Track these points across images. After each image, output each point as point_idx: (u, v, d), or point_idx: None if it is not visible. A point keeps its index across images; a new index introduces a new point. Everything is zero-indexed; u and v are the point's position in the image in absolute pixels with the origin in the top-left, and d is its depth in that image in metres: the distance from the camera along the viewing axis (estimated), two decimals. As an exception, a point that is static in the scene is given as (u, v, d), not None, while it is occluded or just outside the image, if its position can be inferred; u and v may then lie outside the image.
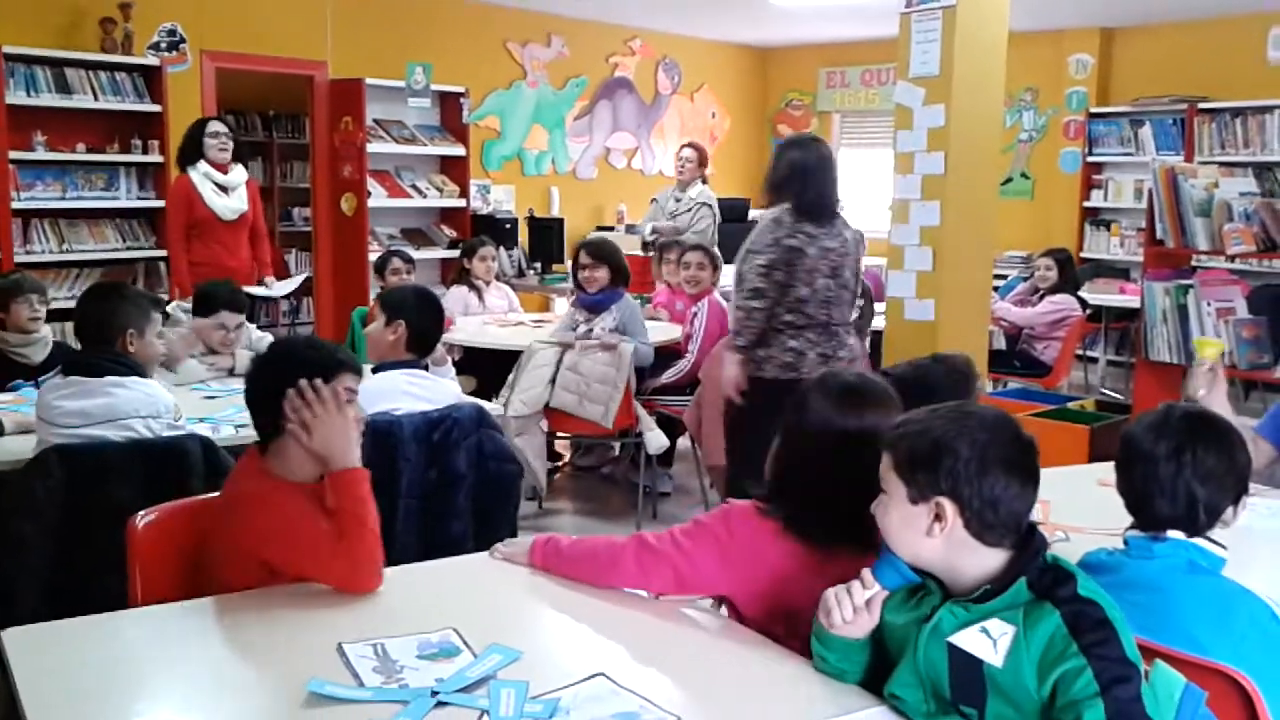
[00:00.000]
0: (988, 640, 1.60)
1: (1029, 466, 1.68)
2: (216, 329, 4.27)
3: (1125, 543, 1.95)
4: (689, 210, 7.07)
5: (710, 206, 7.12)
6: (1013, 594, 1.62)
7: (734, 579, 2.05)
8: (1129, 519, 1.96)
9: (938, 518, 1.66)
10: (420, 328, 3.36)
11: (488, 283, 6.19)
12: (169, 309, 4.49)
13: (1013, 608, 1.61)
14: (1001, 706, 1.59)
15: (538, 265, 8.83)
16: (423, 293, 3.51)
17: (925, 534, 1.67)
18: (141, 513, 2.31)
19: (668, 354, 5.56)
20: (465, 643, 1.90)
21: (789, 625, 1.96)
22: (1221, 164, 7.43)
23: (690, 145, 7.34)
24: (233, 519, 2.21)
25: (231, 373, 4.17)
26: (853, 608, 1.74)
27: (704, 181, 7.36)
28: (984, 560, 1.67)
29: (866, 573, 1.76)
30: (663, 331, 5.66)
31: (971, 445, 1.65)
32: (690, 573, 2.07)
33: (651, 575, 2.10)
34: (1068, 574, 1.63)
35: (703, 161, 7.29)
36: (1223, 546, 1.92)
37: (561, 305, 7.39)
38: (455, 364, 5.56)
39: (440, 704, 1.69)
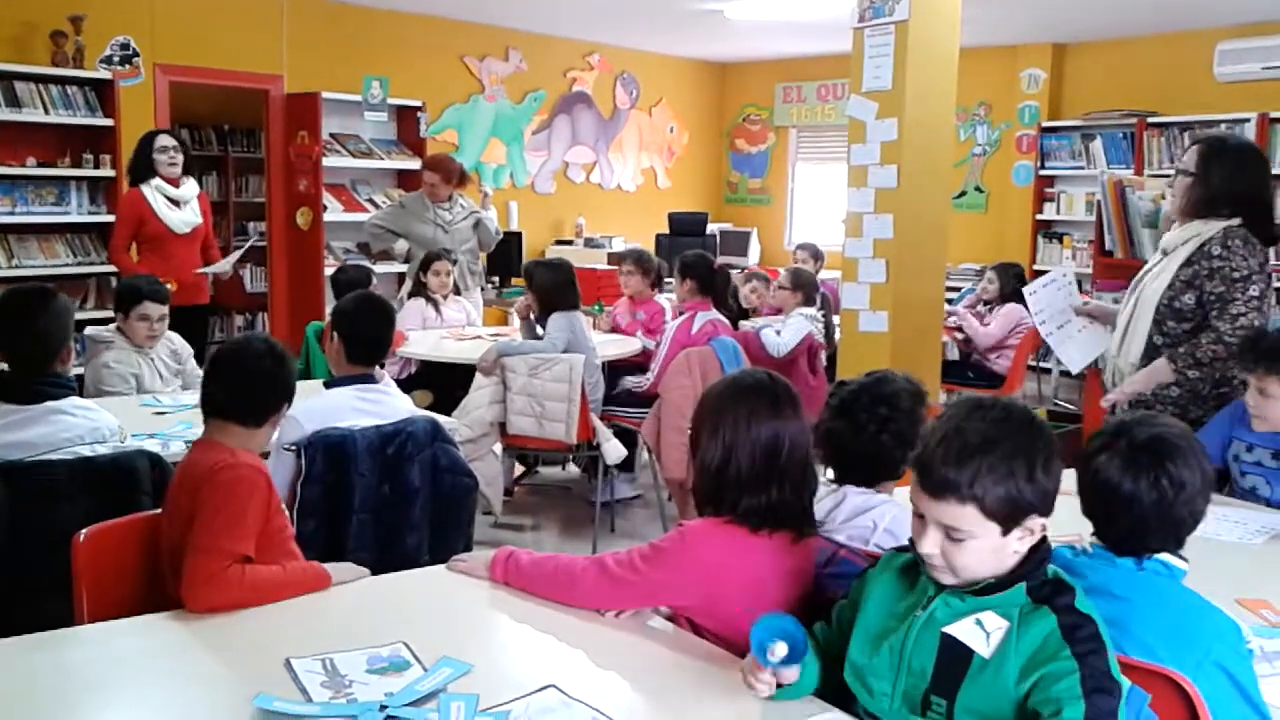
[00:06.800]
0: (981, 632, 1.63)
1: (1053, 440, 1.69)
2: (139, 321, 4.23)
3: (1091, 549, 1.98)
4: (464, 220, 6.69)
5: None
6: (1012, 594, 1.64)
7: (697, 594, 2.06)
8: (1082, 523, 1.98)
9: (1030, 532, 1.66)
10: (356, 338, 3.18)
11: (444, 296, 6.17)
12: (89, 332, 4.42)
13: (1009, 607, 1.64)
14: (973, 698, 1.62)
15: (496, 279, 8.82)
16: (364, 301, 3.31)
17: (1012, 553, 1.66)
18: (85, 529, 2.28)
19: (629, 367, 5.58)
20: (415, 656, 1.89)
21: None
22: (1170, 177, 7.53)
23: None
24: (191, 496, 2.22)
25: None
26: (765, 685, 1.74)
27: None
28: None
29: (754, 662, 1.74)
30: (621, 345, 5.68)
31: (1047, 459, 1.64)
32: (653, 595, 2.09)
33: (611, 602, 2.11)
34: (1068, 587, 1.66)
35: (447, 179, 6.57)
36: (1184, 559, 1.95)
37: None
38: (412, 377, 5.57)
39: (389, 718, 1.68)
